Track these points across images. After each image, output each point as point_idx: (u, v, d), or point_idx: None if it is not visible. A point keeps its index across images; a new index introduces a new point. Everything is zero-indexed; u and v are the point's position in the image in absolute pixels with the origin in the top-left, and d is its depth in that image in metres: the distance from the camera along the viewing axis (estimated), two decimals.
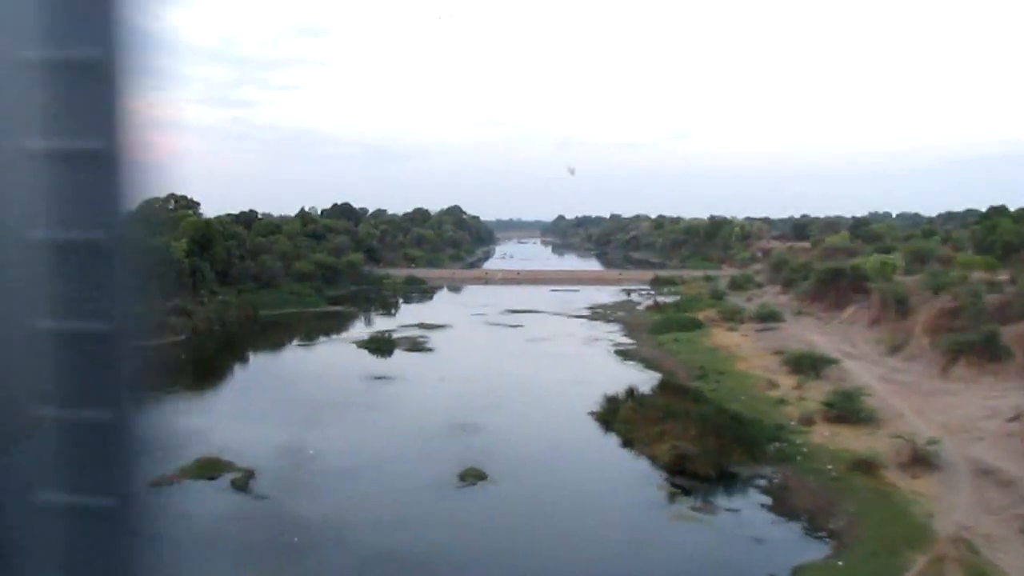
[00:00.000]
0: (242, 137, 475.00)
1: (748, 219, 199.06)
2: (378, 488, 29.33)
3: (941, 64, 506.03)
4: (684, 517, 26.74)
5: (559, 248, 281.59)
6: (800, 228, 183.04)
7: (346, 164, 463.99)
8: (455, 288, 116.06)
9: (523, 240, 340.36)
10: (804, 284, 79.01)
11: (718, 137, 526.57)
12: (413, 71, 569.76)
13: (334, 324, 76.35)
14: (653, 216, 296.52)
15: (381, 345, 60.38)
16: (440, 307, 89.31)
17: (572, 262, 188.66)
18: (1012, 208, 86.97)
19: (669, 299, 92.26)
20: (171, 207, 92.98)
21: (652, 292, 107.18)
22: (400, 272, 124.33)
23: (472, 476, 30.47)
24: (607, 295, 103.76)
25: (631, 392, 40.99)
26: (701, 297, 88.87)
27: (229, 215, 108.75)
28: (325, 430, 37.07)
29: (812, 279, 75.95)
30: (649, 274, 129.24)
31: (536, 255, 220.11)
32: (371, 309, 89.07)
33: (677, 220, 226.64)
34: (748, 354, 54.64)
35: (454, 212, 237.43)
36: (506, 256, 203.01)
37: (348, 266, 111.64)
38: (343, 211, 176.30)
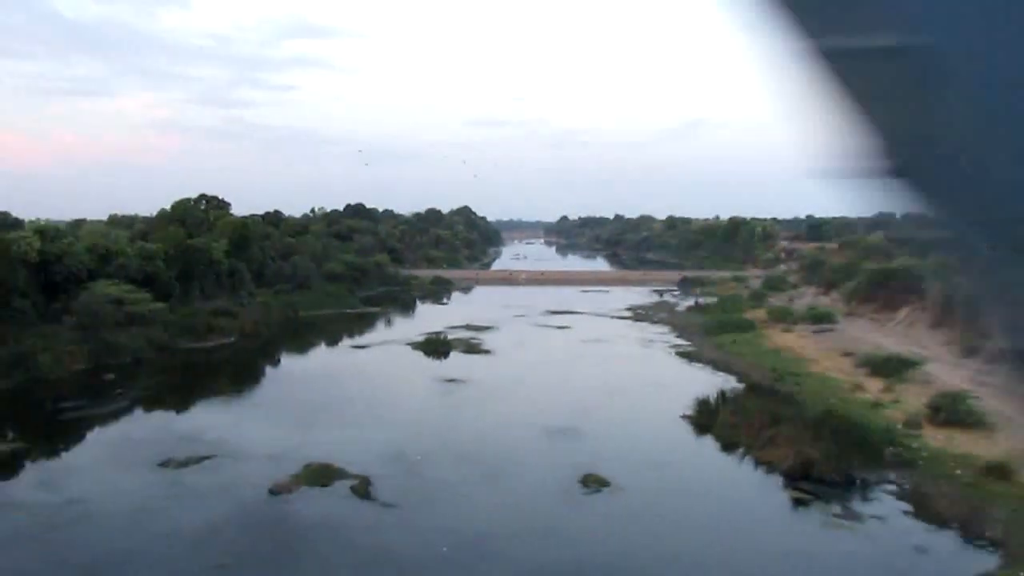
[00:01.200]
0: (238, 137, 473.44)
1: (754, 219, 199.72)
2: (504, 495, 28.54)
3: None
4: (832, 525, 26.02)
5: (563, 249, 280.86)
6: (814, 228, 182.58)
7: (343, 165, 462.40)
8: (466, 289, 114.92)
9: (530, 241, 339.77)
10: (849, 285, 78.44)
11: (720, 137, 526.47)
12: (410, 71, 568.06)
13: (376, 325, 75.51)
14: (658, 217, 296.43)
15: (437, 347, 59.56)
16: (475, 308, 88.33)
17: (586, 263, 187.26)
18: None
19: (705, 300, 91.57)
20: (203, 207, 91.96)
21: (680, 293, 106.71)
22: (422, 273, 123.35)
23: (594, 482, 29.70)
24: (638, 296, 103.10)
25: (723, 395, 40.29)
26: (739, 298, 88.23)
27: (254, 215, 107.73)
28: (419, 435, 36.21)
29: (859, 280, 75.37)
30: (674, 275, 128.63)
31: (545, 256, 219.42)
32: (407, 310, 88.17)
33: (688, 221, 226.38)
34: (815, 356, 53.95)
35: (464, 212, 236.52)
36: (519, 256, 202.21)
37: (375, 267, 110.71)
38: (356, 211, 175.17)
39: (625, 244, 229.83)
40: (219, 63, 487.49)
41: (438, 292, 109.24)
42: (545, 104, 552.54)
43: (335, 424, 38.02)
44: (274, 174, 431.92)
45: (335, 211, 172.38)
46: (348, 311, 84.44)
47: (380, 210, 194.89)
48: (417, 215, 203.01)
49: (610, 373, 51.77)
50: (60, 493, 28.33)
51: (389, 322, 78.00)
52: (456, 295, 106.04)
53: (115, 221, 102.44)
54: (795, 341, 59.90)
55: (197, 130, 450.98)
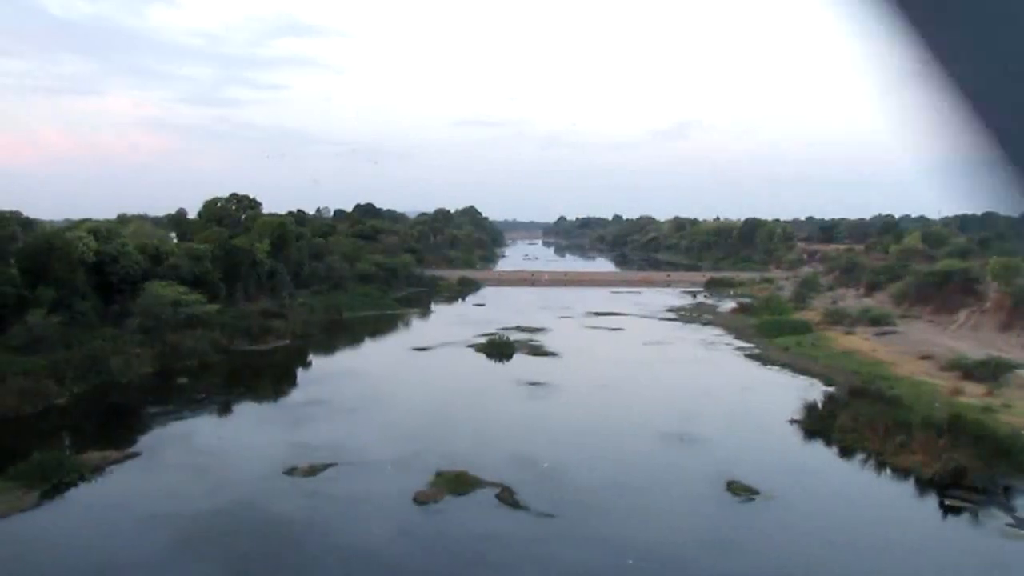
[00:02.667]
0: (227, 136, 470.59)
1: (775, 221, 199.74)
2: (658, 504, 27.71)
3: None
4: (1010, 535, 25.33)
5: (562, 249, 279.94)
6: (827, 230, 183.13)
7: (332, 164, 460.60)
8: (472, 289, 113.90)
9: (533, 241, 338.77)
10: (896, 287, 78.22)
11: (712, 138, 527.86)
12: (400, 71, 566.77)
13: (421, 326, 74.42)
14: (657, 217, 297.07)
15: (501, 349, 58.66)
16: (512, 309, 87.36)
17: (589, 264, 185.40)
18: None
19: (744, 301, 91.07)
20: (234, 207, 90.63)
21: (708, 294, 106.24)
22: (444, 273, 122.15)
23: (741, 490, 28.91)
24: (670, 297, 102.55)
25: (830, 400, 39.65)
26: (777, 299, 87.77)
27: (289, 214, 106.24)
28: (532, 439, 35.37)
29: (909, 282, 75.12)
30: (696, 275, 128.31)
31: (546, 256, 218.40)
32: (444, 311, 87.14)
33: (695, 222, 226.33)
34: (890, 359, 53.38)
35: (470, 213, 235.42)
36: (529, 257, 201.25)
37: (402, 267, 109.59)
38: (366, 211, 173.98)
39: (632, 245, 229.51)
40: (208, 62, 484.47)
41: (465, 292, 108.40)
42: (535, 104, 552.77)
43: (439, 429, 37.03)
44: (262, 173, 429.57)
45: (326, 210, 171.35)
46: (388, 312, 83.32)
47: (388, 210, 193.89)
48: (423, 215, 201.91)
49: (690, 376, 51.16)
50: (197, 504, 27.24)
51: (433, 323, 76.91)
52: (486, 295, 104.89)
53: (123, 220, 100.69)
54: (861, 344, 59.39)
55: (185, 129, 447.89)
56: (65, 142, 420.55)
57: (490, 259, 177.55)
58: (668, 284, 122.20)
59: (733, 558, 23.59)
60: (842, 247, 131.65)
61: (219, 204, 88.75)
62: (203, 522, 25.37)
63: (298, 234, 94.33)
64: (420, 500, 27.80)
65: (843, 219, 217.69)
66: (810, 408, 39.25)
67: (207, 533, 24.67)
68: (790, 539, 25.14)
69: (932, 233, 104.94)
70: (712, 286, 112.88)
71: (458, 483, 29.28)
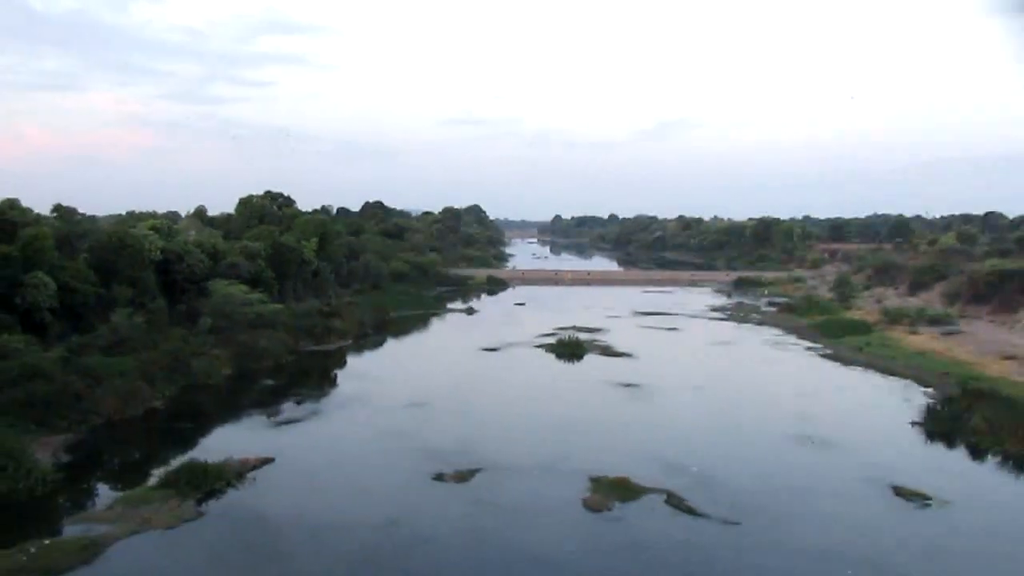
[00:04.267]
0: (212, 133, 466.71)
1: (792, 219, 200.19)
2: (833, 508, 27.02)
3: (919, 74, 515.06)
4: None
5: (558, 248, 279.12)
6: (837, 229, 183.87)
7: (321, 162, 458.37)
8: (501, 288, 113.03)
9: (529, 240, 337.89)
10: (944, 286, 78.18)
11: (702, 136, 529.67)
12: (388, 69, 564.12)
13: (472, 326, 73.35)
14: (650, 215, 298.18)
15: (572, 349, 57.87)
16: (555, 309, 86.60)
17: (587, 263, 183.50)
18: None
19: (782, 300, 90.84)
20: (274, 205, 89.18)
21: (739, 293, 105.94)
22: (468, 272, 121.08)
23: (911, 495, 28.28)
24: (703, 296, 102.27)
25: (951, 401, 39.22)
26: (821, 299, 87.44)
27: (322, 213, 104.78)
28: (661, 442, 34.63)
29: (961, 281, 75.04)
30: (721, 275, 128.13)
31: (548, 255, 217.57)
32: (485, 310, 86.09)
33: (699, 220, 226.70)
34: (969, 359, 53.00)
35: (475, 211, 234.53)
36: (537, 256, 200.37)
37: (430, 266, 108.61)
38: (375, 209, 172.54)
39: (637, 244, 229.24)
40: (193, 58, 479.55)
41: (495, 291, 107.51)
42: (523, 103, 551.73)
43: (559, 432, 36.20)
44: (248, 171, 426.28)
45: (343, 209, 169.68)
46: (431, 311, 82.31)
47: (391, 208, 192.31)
48: (427, 213, 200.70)
49: (779, 377, 50.70)
50: (360, 514, 26.28)
51: (483, 323, 75.83)
52: (517, 295, 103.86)
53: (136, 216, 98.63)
54: (931, 343, 59.07)
55: (169, 126, 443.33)
56: (46, 138, 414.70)
57: (501, 258, 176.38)
58: (693, 283, 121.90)
59: (952, 566, 22.97)
60: (864, 246, 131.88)
61: (255, 201, 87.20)
62: (375, 534, 24.36)
63: (337, 232, 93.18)
64: (592, 507, 26.96)
65: (854, 218, 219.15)
66: (930, 410, 38.80)
67: (383, 545, 23.67)
68: (996, 546, 24.44)
69: (963, 233, 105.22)
70: (741, 285, 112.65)
71: (622, 489, 28.46)
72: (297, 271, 72.78)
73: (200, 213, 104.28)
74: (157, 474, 29.25)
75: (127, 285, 49.79)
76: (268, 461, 31.29)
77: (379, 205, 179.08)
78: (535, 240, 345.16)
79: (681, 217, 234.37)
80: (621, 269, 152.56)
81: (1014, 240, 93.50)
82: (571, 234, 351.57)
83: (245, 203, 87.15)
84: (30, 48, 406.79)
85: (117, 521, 24.97)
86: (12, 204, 47.71)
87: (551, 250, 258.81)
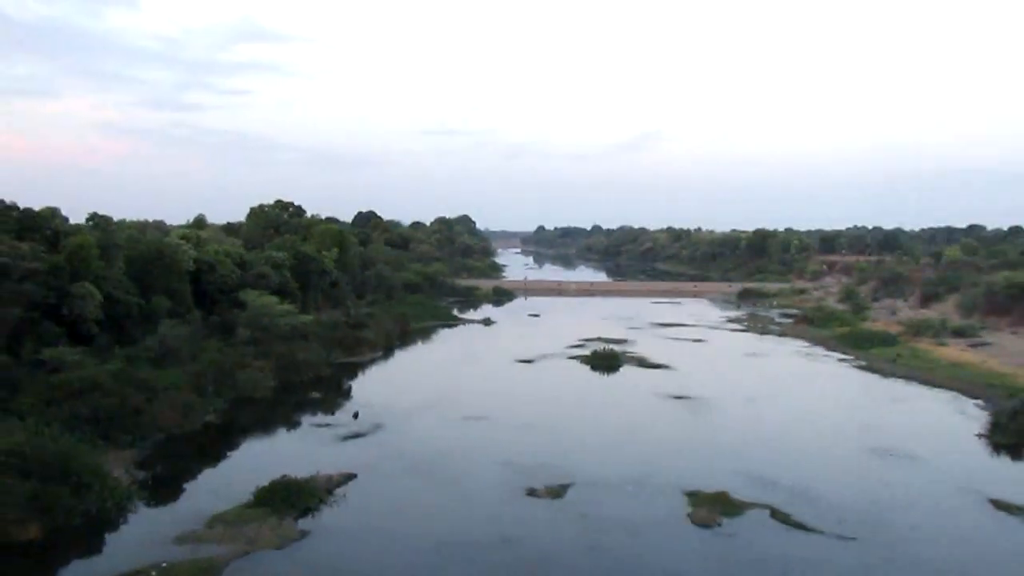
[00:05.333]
0: (187, 142, 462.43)
1: (734, 230, 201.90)
2: (943, 523, 26.86)
3: (896, 84, 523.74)
4: None
5: (541, 259, 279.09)
6: (827, 241, 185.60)
7: (296, 171, 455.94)
8: (507, 298, 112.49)
9: (514, 250, 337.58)
10: (960, 298, 78.95)
11: (678, 149, 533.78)
12: (365, 79, 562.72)
13: (497, 337, 72.67)
14: (635, 226, 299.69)
15: (608, 361, 57.51)
16: (572, 319, 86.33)
17: (571, 273, 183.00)
18: None
19: (793, 312, 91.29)
20: (285, 214, 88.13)
21: (743, 304, 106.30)
22: (473, 283, 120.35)
23: (1015, 508, 28.18)
24: (710, 307, 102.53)
25: (1015, 413, 39.27)
26: (835, 310, 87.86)
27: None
28: (739, 455, 34.29)
29: (979, 293, 75.78)
30: (723, 286, 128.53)
31: (531, 265, 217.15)
32: (501, 321, 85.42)
33: (689, 232, 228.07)
34: (1011, 371, 53.25)
35: (465, 222, 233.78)
36: (529, 267, 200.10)
37: (439, 276, 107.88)
38: (366, 220, 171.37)
39: (627, 255, 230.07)
40: (168, 66, 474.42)
41: (502, 301, 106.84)
42: (499, 115, 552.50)
43: (631, 445, 35.87)
44: (223, 179, 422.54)
45: (331, 219, 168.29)
46: (449, 322, 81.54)
47: (389, 220, 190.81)
48: (416, 223, 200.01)
49: (825, 389, 50.71)
50: (461, 531, 25.63)
51: (505, 334, 75.17)
52: (526, 305, 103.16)
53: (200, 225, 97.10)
54: (963, 355, 59.44)
55: (144, 133, 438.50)
56: (18, 143, 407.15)
57: (496, 268, 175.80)
58: (695, 295, 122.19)
59: None
60: (865, 259, 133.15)
61: (268, 210, 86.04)
62: (494, 553, 23.72)
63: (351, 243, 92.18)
64: (700, 522, 26.51)
65: (834, 230, 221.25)
66: (995, 423, 38.89)
67: (507, 564, 23.06)
68: None
69: (964, 245, 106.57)
70: (745, 296, 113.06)
71: (723, 504, 28.06)
72: (318, 281, 71.85)
73: (200, 222, 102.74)
74: (240, 491, 28.30)
75: (165, 296, 48.65)
76: (351, 477, 30.50)
77: (372, 215, 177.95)
78: (518, 250, 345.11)
79: (670, 228, 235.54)
80: (624, 281, 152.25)
81: (1021, 252, 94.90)
82: (555, 245, 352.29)
83: (257, 212, 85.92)
84: (3, 54, 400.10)
85: (223, 541, 24.09)
86: (54, 213, 46.43)
87: (534, 260, 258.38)
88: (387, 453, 34.41)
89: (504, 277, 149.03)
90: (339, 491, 29.05)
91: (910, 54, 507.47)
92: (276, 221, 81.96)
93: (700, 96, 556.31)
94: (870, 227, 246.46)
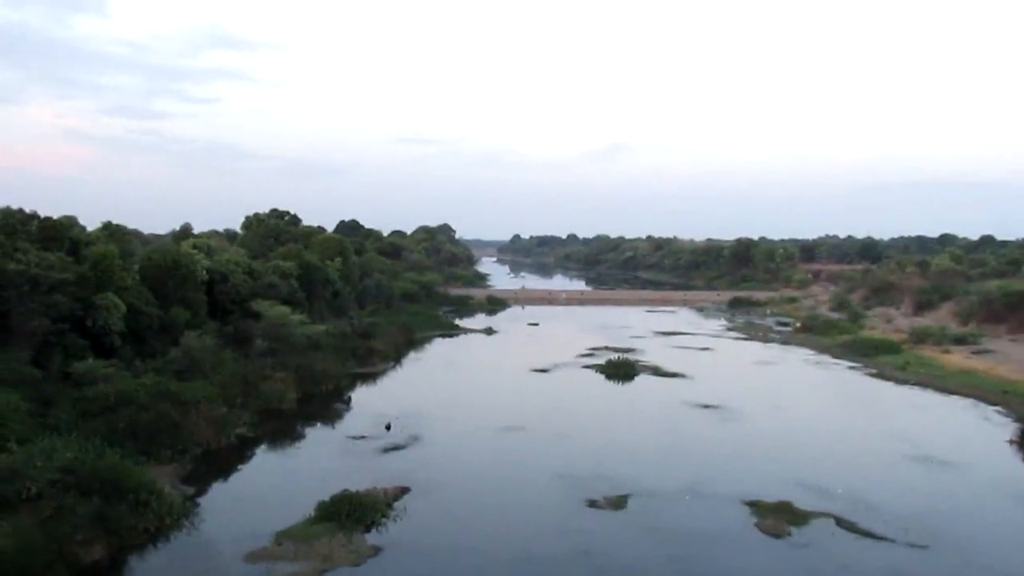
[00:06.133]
0: (156, 149, 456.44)
1: (709, 239, 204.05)
2: (1010, 531, 27.10)
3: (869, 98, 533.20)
4: None
5: (517, 267, 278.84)
6: (808, 251, 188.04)
7: (266, 179, 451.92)
8: (501, 307, 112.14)
9: (490, 259, 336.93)
10: (955, 306, 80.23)
11: (650, 159, 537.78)
12: (337, 87, 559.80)
13: (505, 347, 72.30)
14: (607, 235, 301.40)
15: (624, 370, 57.43)
16: (571, 329, 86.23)
17: (550, 282, 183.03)
18: None
19: (787, 320, 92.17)
20: (279, 222, 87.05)
21: (734, 312, 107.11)
22: (466, 292, 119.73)
23: None
24: (705, 316, 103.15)
25: None
26: (826, 317, 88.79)
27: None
28: (786, 463, 34.40)
29: (973, 301, 77.04)
30: (713, 294, 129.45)
31: (507, 273, 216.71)
32: (501, 330, 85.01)
33: (670, 241, 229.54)
34: (1017, 377, 54.19)
35: (445, 231, 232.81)
36: (512, 275, 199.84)
37: (433, 285, 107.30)
38: (351, 228, 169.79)
39: (608, 264, 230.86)
40: (136, 72, 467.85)
41: (495, 310, 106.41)
42: (472, 123, 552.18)
43: (681, 454, 35.82)
44: (193, 188, 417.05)
45: (319, 228, 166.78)
46: (451, 332, 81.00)
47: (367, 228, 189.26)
48: (396, 232, 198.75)
49: (847, 397, 51.18)
50: (530, 545, 25.29)
51: (511, 344, 74.82)
52: (521, 314, 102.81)
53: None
54: (969, 362, 60.30)
55: (110, 141, 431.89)
56: None
57: (481, 277, 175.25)
58: (684, 303, 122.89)
59: None
60: (850, 267, 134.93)
61: (265, 220, 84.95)
62: (575, 567, 23.45)
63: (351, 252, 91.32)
64: (770, 532, 26.46)
65: (805, 239, 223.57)
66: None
67: None
68: None
69: (954, 255, 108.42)
70: (736, 305, 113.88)
71: (787, 513, 28.04)
72: (321, 291, 71.02)
73: (185, 231, 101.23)
74: (297, 505, 27.64)
75: (182, 306, 47.68)
76: (405, 490, 30.01)
77: (355, 224, 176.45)
78: (495, 259, 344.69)
79: (650, 237, 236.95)
80: (611, 290, 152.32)
81: (1008, 261, 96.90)
82: (533, 254, 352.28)
83: (254, 221, 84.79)
84: None
85: (297, 559, 23.50)
86: (72, 222, 45.30)
87: (511, 269, 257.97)
88: (432, 465, 33.91)
89: (491, 286, 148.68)
90: (397, 505, 28.55)
91: (876, 69, 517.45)
92: (275, 230, 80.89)
93: (666, 108, 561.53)
94: (842, 236, 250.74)
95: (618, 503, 29.20)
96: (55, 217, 42.17)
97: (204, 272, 52.39)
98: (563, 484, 31.33)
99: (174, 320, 45.96)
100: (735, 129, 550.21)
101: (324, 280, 71.28)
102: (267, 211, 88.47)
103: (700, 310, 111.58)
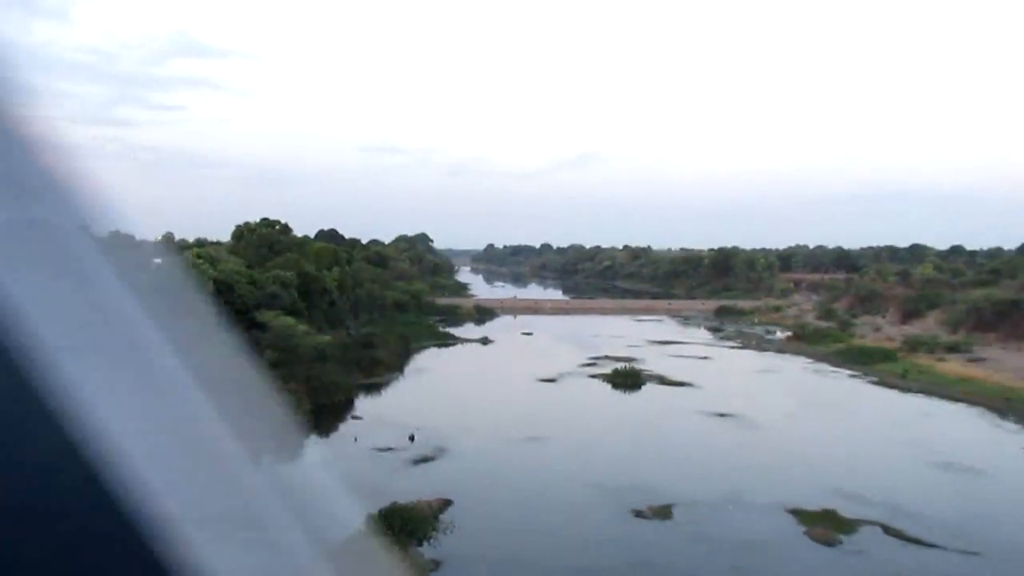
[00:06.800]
0: (121, 157, 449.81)
1: (684, 249, 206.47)
2: None
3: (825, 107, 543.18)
4: None
5: (491, 277, 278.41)
6: (784, 259, 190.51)
7: (233, 187, 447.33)
8: (489, 317, 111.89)
9: (463, 268, 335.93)
10: (943, 314, 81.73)
11: (618, 168, 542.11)
12: (304, 95, 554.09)
13: (505, 356, 72.00)
14: (582, 244, 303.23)
15: (630, 379, 57.60)
16: (562, 338, 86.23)
17: (525, 291, 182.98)
18: None
19: (774, 328, 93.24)
20: (269, 231, 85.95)
21: (725, 321, 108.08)
22: (450, 301, 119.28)
23: None
24: (692, 325, 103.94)
25: None
26: (815, 326, 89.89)
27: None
28: (820, 473, 34.66)
29: (961, 310, 78.57)
30: (697, 303, 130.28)
31: (487, 284, 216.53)
32: (494, 340, 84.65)
33: (647, 250, 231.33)
34: (1016, 384, 55.29)
35: (422, 240, 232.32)
36: (495, 285, 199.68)
37: (422, 295, 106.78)
38: (331, 237, 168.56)
39: (585, 273, 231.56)
40: (100, 79, 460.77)
41: (484, 320, 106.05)
42: (442, 132, 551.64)
43: (712, 463, 35.93)
44: (158, 196, 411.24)
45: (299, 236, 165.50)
46: (446, 342, 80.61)
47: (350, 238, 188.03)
48: (374, 241, 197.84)
49: (859, 404, 51.83)
50: (602, 557, 25.19)
51: (509, 353, 74.60)
52: (511, 324, 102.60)
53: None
54: (966, 370, 61.34)
55: (74, 149, 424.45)
56: None
57: (462, 286, 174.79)
58: (669, 312, 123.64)
59: None
60: (827, 276, 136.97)
61: (256, 228, 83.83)
62: None
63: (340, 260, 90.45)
64: (821, 540, 26.66)
65: (772, 248, 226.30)
66: None
67: None
68: None
69: (938, 264, 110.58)
70: (722, 314, 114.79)
71: (833, 521, 28.30)
72: (318, 301, 70.27)
73: (168, 240, 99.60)
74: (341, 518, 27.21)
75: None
76: (448, 503, 29.73)
77: (334, 233, 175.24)
78: (468, 268, 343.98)
79: (627, 247, 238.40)
80: (594, 299, 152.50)
81: (988, 271, 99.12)
82: (507, 263, 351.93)
83: (244, 230, 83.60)
84: None
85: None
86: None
87: (485, 279, 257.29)
88: (466, 477, 33.61)
89: (473, 295, 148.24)
90: (443, 518, 28.24)
91: (841, 79, 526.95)
92: (269, 239, 79.84)
93: (635, 119, 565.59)
94: (811, 246, 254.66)
95: (663, 513, 29.21)
96: None
97: (211, 282, 51.53)
98: (601, 494, 31.26)
99: None
100: (703, 140, 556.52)
101: (322, 290, 70.54)
102: (257, 220, 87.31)
103: (687, 319, 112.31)
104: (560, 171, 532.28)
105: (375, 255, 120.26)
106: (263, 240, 79.06)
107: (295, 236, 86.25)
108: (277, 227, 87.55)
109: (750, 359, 71.57)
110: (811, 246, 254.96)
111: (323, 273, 71.37)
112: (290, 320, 54.64)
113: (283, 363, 49.91)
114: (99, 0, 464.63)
